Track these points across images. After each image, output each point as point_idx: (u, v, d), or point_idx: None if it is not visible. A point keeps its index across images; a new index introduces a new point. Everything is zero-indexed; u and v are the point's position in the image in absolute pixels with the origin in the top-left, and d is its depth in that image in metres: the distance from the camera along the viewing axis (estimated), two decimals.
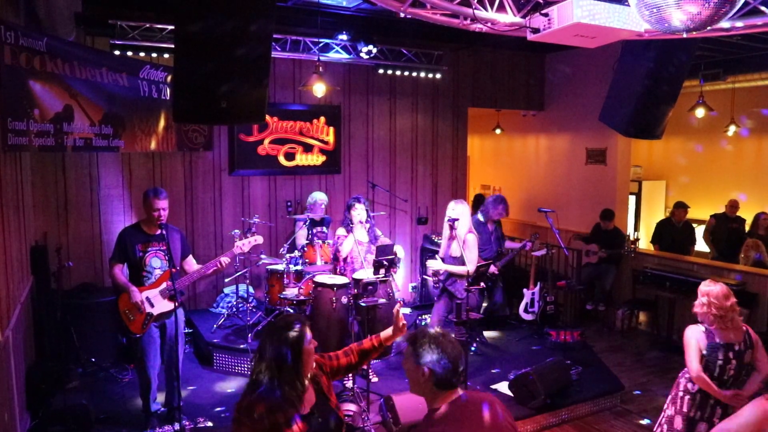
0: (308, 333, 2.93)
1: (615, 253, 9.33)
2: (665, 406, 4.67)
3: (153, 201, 5.49)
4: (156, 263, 5.56)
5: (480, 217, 7.78)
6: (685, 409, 4.41)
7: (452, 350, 2.60)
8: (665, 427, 4.55)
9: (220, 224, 8.61)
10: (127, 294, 5.40)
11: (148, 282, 5.52)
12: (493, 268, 7.41)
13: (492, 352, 7.91)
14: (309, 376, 2.96)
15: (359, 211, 6.81)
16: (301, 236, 7.82)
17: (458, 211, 6.60)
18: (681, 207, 9.86)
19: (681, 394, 4.47)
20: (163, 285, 5.50)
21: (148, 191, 5.59)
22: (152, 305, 5.48)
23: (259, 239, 6.06)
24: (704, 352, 4.30)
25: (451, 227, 6.52)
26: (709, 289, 4.30)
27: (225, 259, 5.66)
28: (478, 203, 12.50)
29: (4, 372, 4.51)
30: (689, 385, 4.42)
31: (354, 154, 9.58)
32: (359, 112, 9.57)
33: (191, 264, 5.84)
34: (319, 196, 8.01)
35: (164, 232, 5.48)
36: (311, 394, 2.98)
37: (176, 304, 5.42)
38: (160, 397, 5.99)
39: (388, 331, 3.51)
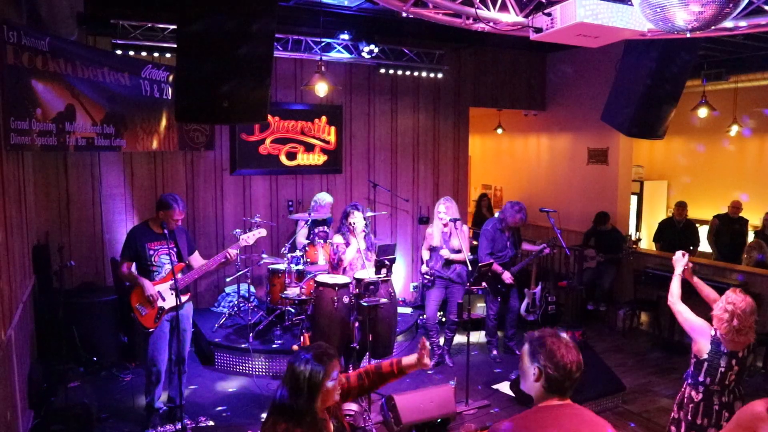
0: (333, 371, 2.93)
1: (614, 257, 9.32)
2: (673, 407, 4.64)
3: (177, 211, 5.59)
4: (165, 260, 5.66)
5: (498, 222, 7.60)
6: (690, 417, 4.35)
7: (567, 354, 2.47)
8: (673, 428, 4.53)
9: (222, 224, 8.61)
10: (140, 288, 5.51)
11: (158, 277, 5.64)
12: (507, 276, 7.36)
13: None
14: (329, 408, 3.02)
15: (357, 219, 6.76)
16: (302, 235, 7.82)
17: (455, 209, 7.18)
18: (679, 205, 9.89)
19: (686, 401, 4.42)
20: (173, 280, 5.57)
21: (172, 200, 5.61)
22: (164, 299, 5.60)
23: (263, 232, 6.15)
24: (705, 356, 4.26)
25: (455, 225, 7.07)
26: (736, 300, 4.15)
27: (233, 251, 5.78)
28: (482, 203, 12.41)
29: (7, 371, 4.52)
30: (693, 393, 4.37)
31: (355, 154, 9.58)
32: (361, 112, 9.56)
33: (197, 260, 5.94)
34: (326, 198, 7.97)
35: (173, 230, 5.66)
36: (328, 426, 3.02)
37: (187, 298, 5.65)
38: (163, 396, 6.04)
39: (411, 359, 3.35)
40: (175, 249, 5.68)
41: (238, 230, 7.25)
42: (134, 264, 5.66)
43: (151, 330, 5.60)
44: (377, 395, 6.09)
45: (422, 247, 7.61)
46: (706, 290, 4.70)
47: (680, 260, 4.69)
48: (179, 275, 5.59)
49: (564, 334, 2.56)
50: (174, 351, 5.82)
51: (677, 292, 4.55)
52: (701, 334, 4.29)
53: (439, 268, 7.28)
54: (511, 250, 7.52)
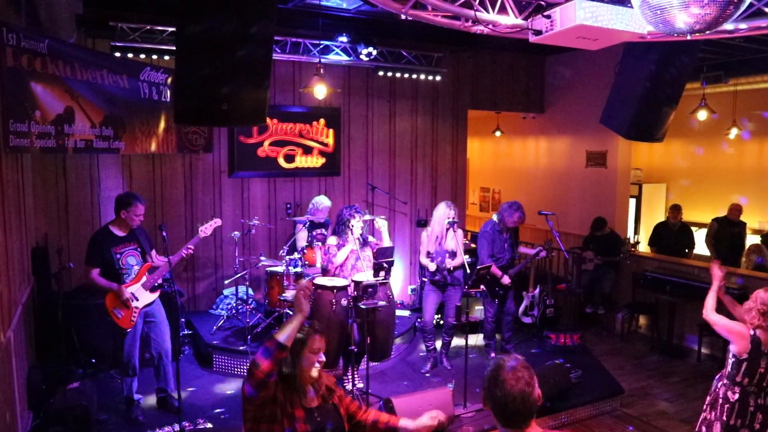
0: (315, 340, 3.12)
1: (611, 260, 9.32)
2: (703, 408, 4.67)
3: (139, 207, 5.82)
4: (132, 261, 5.85)
5: (495, 218, 7.57)
6: (725, 418, 4.38)
7: (508, 384, 2.28)
8: (704, 429, 4.54)
9: (220, 226, 8.57)
10: (113, 293, 5.68)
11: (129, 279, 5.80)
12: (506, 279, 7.36)
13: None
14: (312, 383, 3.15)
15: (359, 225, 6.67)
16: (302, 238, 7.82)
17: (456, 212, 7.17)
18: (674, 208, 9.90)
19: (720, 401, 4.44)
20: (144, 279, 5.84)
21: (132, 197, 5.86)
22: (137, 299, 5.78)
23: (218, 221, 6.48)
24: (746, 356, 4.29)
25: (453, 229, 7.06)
26: (760, 291, 4.37)
27: (191, 246, 6.08)
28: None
29: (6, 372, 4.51)
30: (729, 394, 4.39)
31: (353, 156, 9.58)
32: (359, 115, 9.56)
33: (155, 258, 6.14)
34: (324, 202, 7.95)
35: (134, 230, 5.89)
36: (314, 400, 3.15)
37: (157, 294, 5.97)
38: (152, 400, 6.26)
39: (408, 424, 3.30)
40: (139, 249, 5.90)
41: (236, 233, 7.29)
42: (99, 269, 5.75)
43: (128, 330, 5.80)
44: (375, 398, 6.09)
45: (420, 254, 7.52)
46: (735, 305, 4.81)
47: (718, 275, 4.76)
48: (147, 276, 5.87)
49: (516, 363, 2.35)
50: (154, 347, 6.05)
51: (712, 305, 4.61)
52: (740, 335, 4.35)
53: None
54: (508, 252, 7.50)
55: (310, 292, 2.82)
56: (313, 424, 3.03)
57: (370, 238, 6.93)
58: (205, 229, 6.26)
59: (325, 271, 6.83)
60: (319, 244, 7.54)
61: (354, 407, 3.34)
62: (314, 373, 3.09)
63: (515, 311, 7.83)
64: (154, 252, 6.15)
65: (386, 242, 6.79)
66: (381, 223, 6.80)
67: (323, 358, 3.11)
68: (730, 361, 4.42)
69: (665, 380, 7.55)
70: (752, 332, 4.28)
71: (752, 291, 7.64)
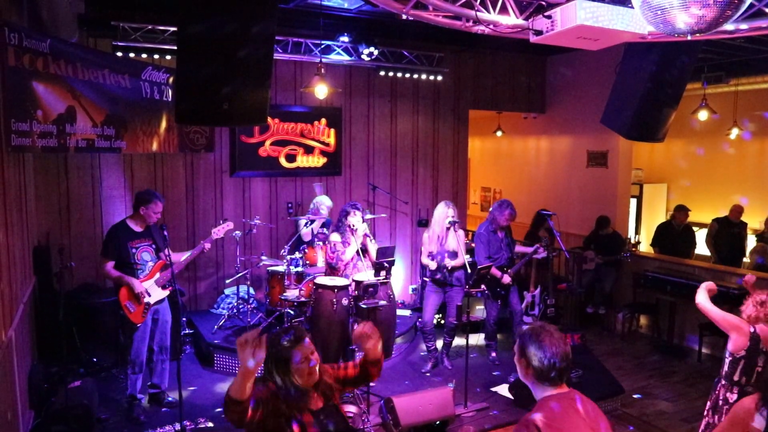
0: (298, 353, 2.99)
1: (612, 259, 9.32)
2: (705, 413, 4.64)
3: (158, 204, 5.92)
4: (146, 257, 5.95)
5: (489, 224, 7.54)
6: None
7: (551, 345, 2.57)
8: None
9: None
10: (127, 287, 5.76)
11: (142, 274, 5.88)
12: (506, 278, 7.37)
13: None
14: (313, 385, 3.08)
15: (357, 219, 6.74)
16: (306, 234, 7.84)
17: (456, 212, 7.21)
18: (681, 210, 9.86)
19: (721, 403, 4.44)
20: (157, 275, 5.94)
21: (151, 195, 5.94)
22: (149, 295, 5.86)
23: (230, 225, 6.51)
24: (743, 353, 4.29)
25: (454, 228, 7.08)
26: (760, 292, 4.39)
27: (207, 245, 6.16)
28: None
29: (8, 371, 4.52)
30: (728, 395, 4.38)
31: (355, 156, 9.59)
32: (360, 114, 9.57)
33: (166, 255, 6.19)
34: (326, 202, 7.97)
35: (150, 227, 5.99)
36: (318, 401, 3.09)
37: (168, 292, 6.08)
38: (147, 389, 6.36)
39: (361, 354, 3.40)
40: (154, 246, 5.98)
41: (238, 232, 7.29)
42: (114, 262, 5.83)
43: (138, 326, 5.88)
44: (376, 397, 6.10)
45: (422, 255, 7.50)
46: None
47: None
48: (161, 273, 5.96)
49: (552, 328, 2.64)
50: (157, 342, 6.14)
51: (703, 295, 4.58)
52: (739, 330, 4.34)
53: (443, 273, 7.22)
54: (506, 251, 7.50)
55: (259, 344, 2.64)
56: (320, 426, 3.00)
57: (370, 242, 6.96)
58: (218, 231, 6.33)
59: (331, 268, 6.84)
60: (321, 243, 7.55)
61: (333, 377, 3.30)
62: (315, 377, 3.04)
63: (521, 310, 7.84)
64: (168, 250, 6.15)
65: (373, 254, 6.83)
66: (371, 247, 6.87)
67: (317, 359, 3.05)
68: (727, 360, 4.41)
69: (666, 380, 7.55)
70: (752, 329, 4.27)
71: (752, 291, 7.68)
